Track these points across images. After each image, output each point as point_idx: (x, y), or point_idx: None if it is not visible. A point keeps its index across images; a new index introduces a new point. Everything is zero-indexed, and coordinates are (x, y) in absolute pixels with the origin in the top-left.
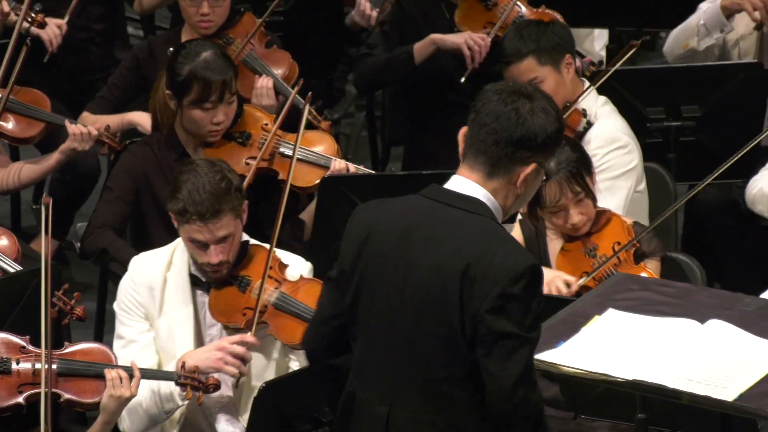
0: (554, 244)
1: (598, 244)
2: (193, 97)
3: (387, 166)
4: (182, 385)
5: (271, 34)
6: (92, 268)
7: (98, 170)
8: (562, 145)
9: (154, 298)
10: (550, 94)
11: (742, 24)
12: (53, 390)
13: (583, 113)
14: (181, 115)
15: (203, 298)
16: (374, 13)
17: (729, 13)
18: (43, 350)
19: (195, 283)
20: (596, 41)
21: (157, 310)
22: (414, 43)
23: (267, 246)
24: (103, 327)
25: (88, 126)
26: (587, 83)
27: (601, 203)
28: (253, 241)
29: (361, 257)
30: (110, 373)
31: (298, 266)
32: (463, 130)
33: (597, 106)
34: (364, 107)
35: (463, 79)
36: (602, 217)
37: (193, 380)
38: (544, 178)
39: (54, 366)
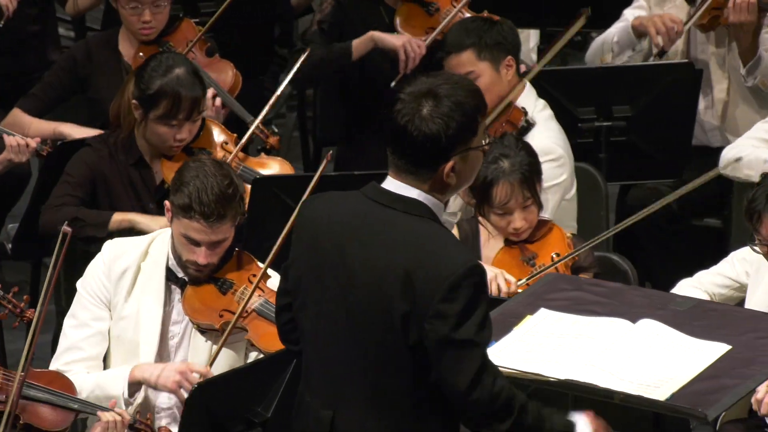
0: (488, 246)
1: (537, 253)
2: (161, 112)
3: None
4: (136, 429)
5: (208, 38)
6: (22, 268)
7: (29, 173)
8: (519, 148)
9: (123, 284)
10: (483, 90)
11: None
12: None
13: (524, 112)
14: (145, 126)
15: (175, 294)
16: None
17: (639, 33)
18: (20, 368)
19: (169, 278)
20: (531, 39)
21: (123, 297)
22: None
23: (252, 255)
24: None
25: (26, 139)
26: (528, 84)
27: None
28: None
29: (305, 259)
30: (106, 416)
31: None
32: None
33: (536, 110)
34: (296, 108)
35: (393, 84)
36: (544, 227)
37: (146, 427)
38: (485, 145)
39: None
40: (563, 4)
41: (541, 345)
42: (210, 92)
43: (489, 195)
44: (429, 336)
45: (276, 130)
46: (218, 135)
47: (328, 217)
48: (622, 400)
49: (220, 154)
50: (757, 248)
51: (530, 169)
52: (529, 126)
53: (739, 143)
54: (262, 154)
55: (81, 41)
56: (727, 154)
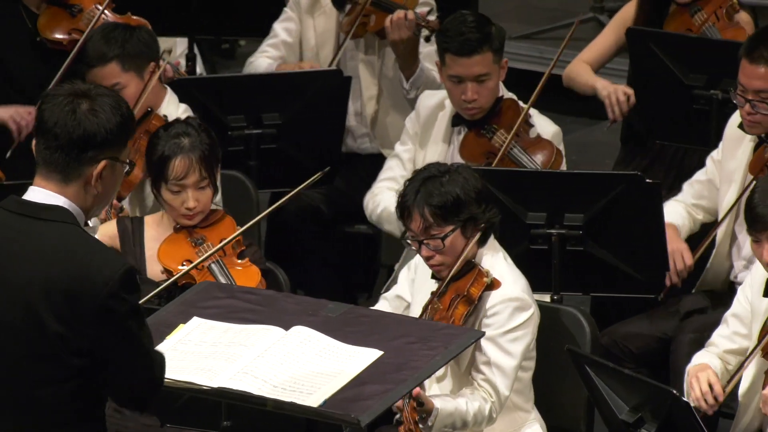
0: (153, 239)
1: (206, 236)
2: None
3: None
4: None
5: None
6: None
7: None
8: (201, 130)
9: None
10: (130, 100)
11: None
12: None
13: (165, 119)
14: None
15: None
16: None
17: None
18: None
19: None
20: (177, 47)
21: None
22: None
23: None
24: None
25: None
26: (169, 90)
27: None
28: None
29: None
30: None
31: None
32: (36, 140)
33: (178, 113)
34: None
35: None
36: (215, 214)
37: None
38: (126, 169)
39: None
40: (212, 12)
41: (194, 354)
42: None
43: (166, 169)
44: (100, 343)
45: None
46: None
47: None
48: (274, 407)
49: None
50: (410, 244)
51: (210, 151)
52: None
53: (376, 190)
54: None
55: None
56: (368, 206)
